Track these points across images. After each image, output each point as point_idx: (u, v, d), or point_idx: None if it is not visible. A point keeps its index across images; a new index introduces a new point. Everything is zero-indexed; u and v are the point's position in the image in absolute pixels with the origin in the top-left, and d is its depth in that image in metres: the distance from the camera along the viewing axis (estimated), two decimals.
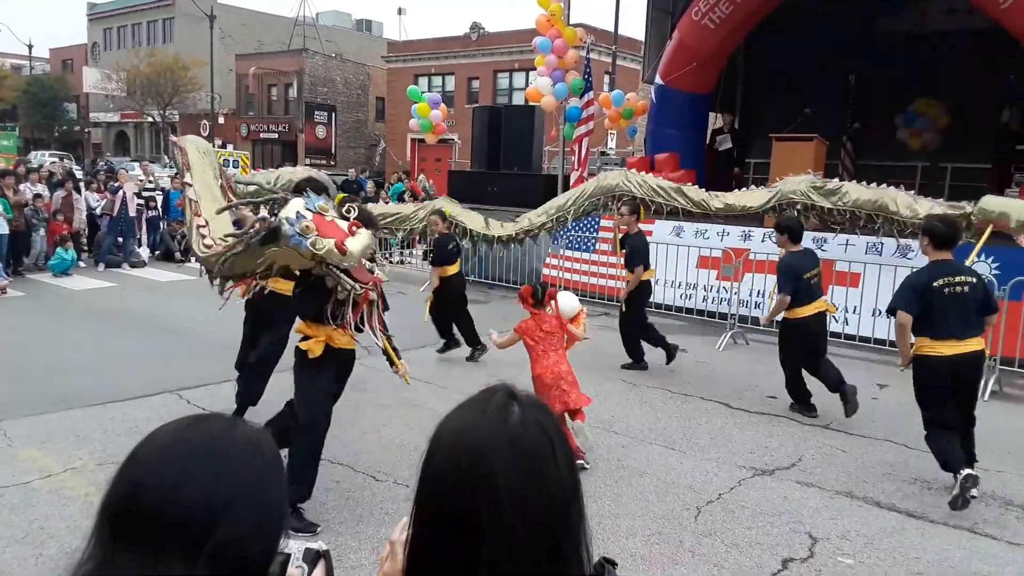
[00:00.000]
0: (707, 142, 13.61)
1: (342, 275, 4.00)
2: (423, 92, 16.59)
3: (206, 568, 0.94)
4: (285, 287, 5.08)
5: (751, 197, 8.21)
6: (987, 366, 6.57)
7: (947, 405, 4.96)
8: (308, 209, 3.93)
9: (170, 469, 0.98)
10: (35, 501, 4.53)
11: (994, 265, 8.45)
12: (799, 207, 7.76)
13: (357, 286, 4.09)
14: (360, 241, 3.94)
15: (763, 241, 10.26)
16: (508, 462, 1.02)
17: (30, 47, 51.93)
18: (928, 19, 13.74)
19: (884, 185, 7.51)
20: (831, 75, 12.92)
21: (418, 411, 6.33)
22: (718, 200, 8.13)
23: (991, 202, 6.87)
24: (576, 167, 13.25)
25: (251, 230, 4.17)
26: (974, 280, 4.96)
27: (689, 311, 10.58)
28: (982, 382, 6.37)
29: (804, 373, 6.73)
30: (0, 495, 4.57)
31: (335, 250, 3.80)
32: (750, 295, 10.07)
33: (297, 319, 4.54)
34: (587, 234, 11.99)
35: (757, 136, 13.83)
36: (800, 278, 6.47)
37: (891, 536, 4.47)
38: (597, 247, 11.70)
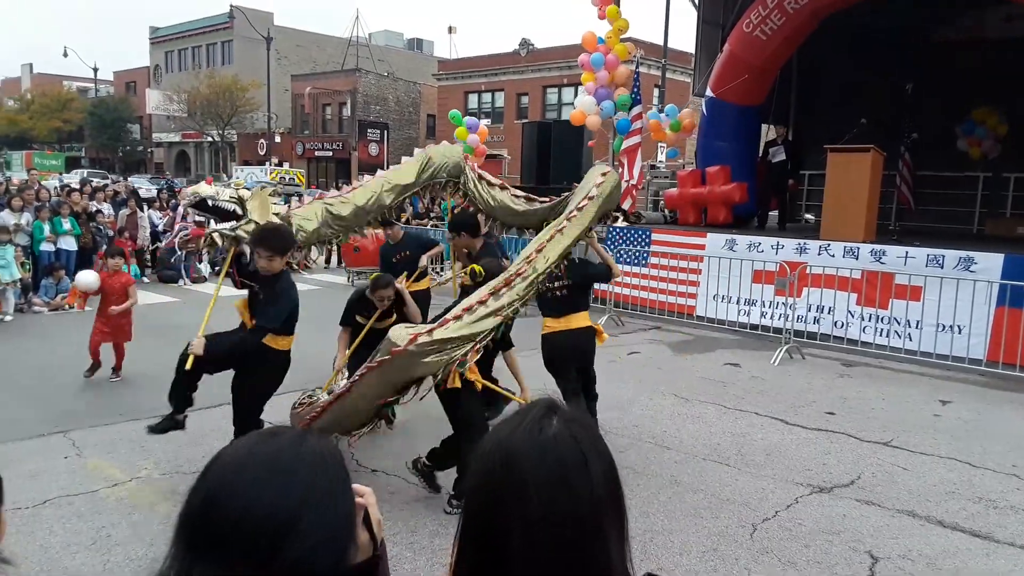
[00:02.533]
0: (760, 154, 13.46)
1: None
2: (464, 116, 16.70)
3: None
4: None
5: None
6: None
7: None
8: None
9: (239, 485, 1.00)
10: (102, 509, 4.68)
11: None
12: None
13: None
14: None
15: (819, 254, 10.10)
16: (539, 471, 1.05)
17: (95, 70, 53.90)
18: (985, 27, 13.41)
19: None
20: (887, 85, 12.69)
21: None
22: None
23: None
24: (627, 178, 13.19)
25: None
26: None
27: (743, 326, 10.45)
28: None
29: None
30: (70, 503, 4.74)
31: None
32: (807, 309, 9.89)
33: None
34: (639, 247, 11.94)
35: (811, 147, 13.63)
36: None
37: (955, 556, 4.34)
38: (649, 260, 11.63)
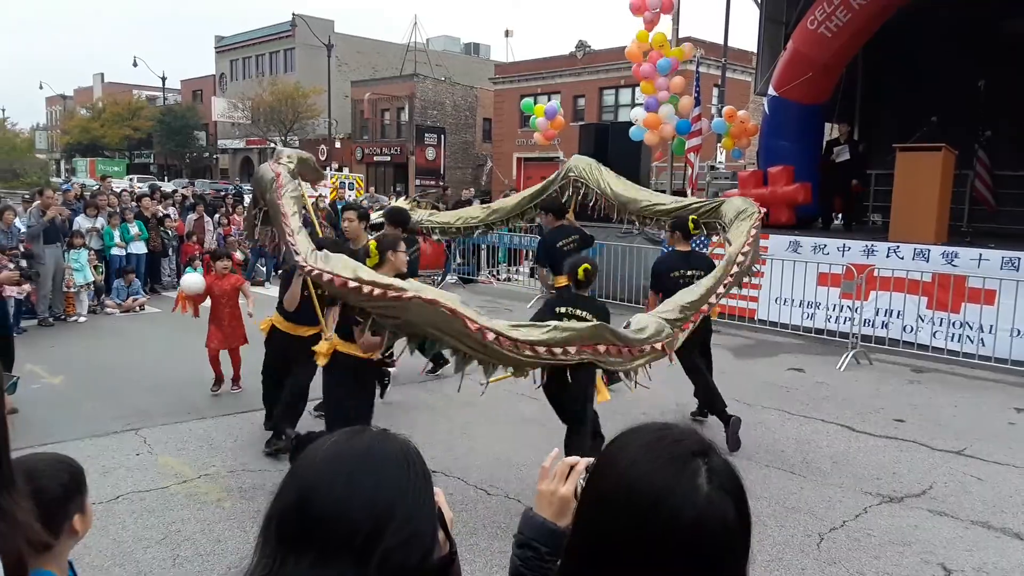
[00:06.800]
0: (823, 153, 13.14)
1: None
2: (520, 120, 16.63)
3: (376, 573, 0.99)
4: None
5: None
6: None
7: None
8: None
9: (335, 479, 1.03)
10: (172, 505, 4.81)
11: None
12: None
13: None
14: None
15: (887, 256, 9.81)
16: (679, 531, 1.02)
17: (163, 79, 55.47)
18: None
19: None
20: (958, 81, 12.26)
21: (528, 426, 6.37)
22: None
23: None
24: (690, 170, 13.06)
25: None
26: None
27: (808, 330, 10.20)
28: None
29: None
30: (141, 498, 4.89)
31: None
32: (875, 313, 9.61)
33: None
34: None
35: (878, 146, 13.25)
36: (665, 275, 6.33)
37: None
38: None
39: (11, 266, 9.03)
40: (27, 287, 9.86)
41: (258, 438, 5.99)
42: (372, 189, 32.90)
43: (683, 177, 14.42)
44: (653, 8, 12.87)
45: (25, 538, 1.23)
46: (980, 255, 9.11)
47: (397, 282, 4.16)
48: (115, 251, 12.47)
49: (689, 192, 13.04)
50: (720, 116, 14.16)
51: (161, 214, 14.21)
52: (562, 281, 6.13)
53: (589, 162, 7.57)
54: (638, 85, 14.37)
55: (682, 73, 13.41)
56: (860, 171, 12.69)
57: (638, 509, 1.04)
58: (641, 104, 13.90)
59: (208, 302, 7.44)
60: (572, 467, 1.34)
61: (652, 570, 1.03)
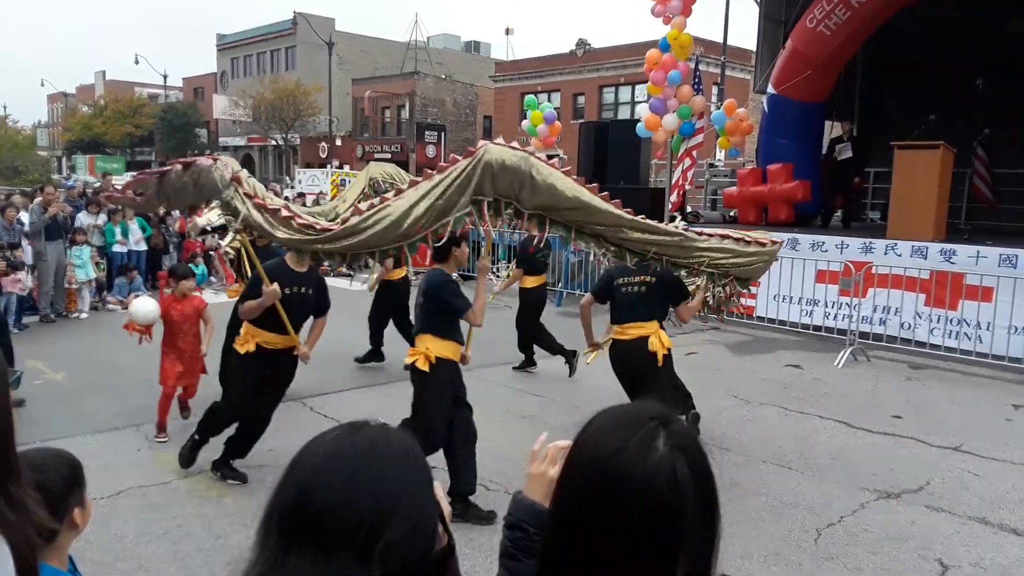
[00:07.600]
0: (824, 151, 13.17)
1: None
2: (520, 119, 16.78)
3: (377, 568, 0.99)
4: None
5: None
6: None
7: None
8: None
9: (338, 473, 1.03)
10: (174, 500, 4.85)
11: None
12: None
13: None
14: None
15: (886, 254, 9.83)
16: (638, 501, 1.05)
17: (165, 77, 55.48)
18: None
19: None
20: (957, 79, 12.28)
21: (528, 423, 6.40)
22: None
23: None
24: (680, 176, 13.08)
25: None
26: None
27: (806, 326, 10.23)
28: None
29: None
30: (143, 494, 4.92)
31: None
32: (873, 310, 9.64)
33: None
34: None
35: (877, 144, 13.28)
36: None
37: None
38: None
39: None
40: (28, 282, 9.90)
41: None
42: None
43: (669, 173, 14.38)
44: (674, 12, 12.87)
45: (35, 527, 1.25)
46: (978, 252, 9.14)
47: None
48: (117, 248, 12.50)
49: (675, 190, 13.09)
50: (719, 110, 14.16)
51: (163, 211, 14.24)
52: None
53: (395, 168, 7.81)
54: (638, 83, 14.36)
55: (687, 81, 13.40)
56: (860, 168, 12.67)
57: (599, 469, 1.08)
58: (646, 102, 13.89)
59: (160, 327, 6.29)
60: (561, 450, 1.36)
61: (618, 535, 1.05)
